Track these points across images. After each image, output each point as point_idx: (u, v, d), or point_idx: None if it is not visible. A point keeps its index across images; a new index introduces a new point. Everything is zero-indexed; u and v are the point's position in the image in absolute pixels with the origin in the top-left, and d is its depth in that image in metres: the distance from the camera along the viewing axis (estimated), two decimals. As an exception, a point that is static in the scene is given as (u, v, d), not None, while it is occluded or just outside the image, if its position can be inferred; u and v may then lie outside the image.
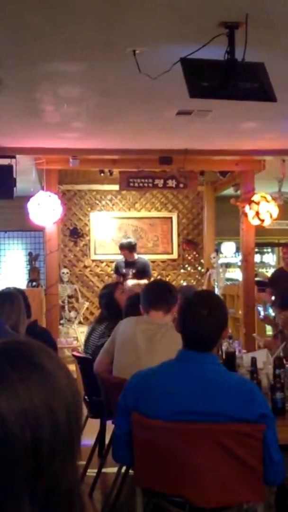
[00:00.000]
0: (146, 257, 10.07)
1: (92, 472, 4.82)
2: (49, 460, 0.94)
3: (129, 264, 9.67)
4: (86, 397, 5.12)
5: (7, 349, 1.03)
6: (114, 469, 4.52)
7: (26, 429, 0.93)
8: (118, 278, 9.41)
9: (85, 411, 5.12)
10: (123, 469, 4.26)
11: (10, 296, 4.40)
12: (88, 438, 5.00)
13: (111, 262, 10.87)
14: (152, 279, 9.54)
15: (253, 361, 3.98)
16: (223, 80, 4.06)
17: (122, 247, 9.64)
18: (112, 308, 5.43)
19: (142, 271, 9.51)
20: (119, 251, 9.77)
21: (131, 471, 3.68)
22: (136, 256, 9.70)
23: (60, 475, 0.96)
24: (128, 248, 9.61)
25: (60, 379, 1.01)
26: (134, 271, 9.52)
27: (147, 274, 9.49)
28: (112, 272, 10.55)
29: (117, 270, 9.89)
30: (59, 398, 0.99)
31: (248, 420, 2.63)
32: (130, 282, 9.00)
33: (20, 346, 1.05)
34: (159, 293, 4.13)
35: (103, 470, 4.78)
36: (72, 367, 5.39)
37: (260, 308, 8.60)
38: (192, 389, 2.69)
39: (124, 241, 9.86)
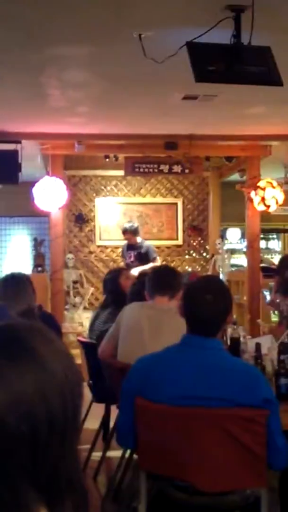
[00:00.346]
0: (151, 243, 10.06)
1: (96, 456, 4.85)
2: (47, 449, 0.93)
3: (132, 247, 9.69)
4: (90, 382, 5.13)
5: None
6: (118, 453, 4.54)
7: (21, 420, 0.90)
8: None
9: (89, 396, 5.14)
10: (127, 453, 4.28)
11: (23, 280, 4.30)
12: (92, 423, 5.02)
13: (116, 247, 10.88)
14: (158, 262, 9.58)
15: (258, 346, 3.98)
16: (229, 64, 4.03)
17: (126, 231, 9.66)
18: (117, 293, 5.43)
19: (145, 254, 9.53)
20: (124, 237, 9.79)
21: (135, 455, 3.70)
22: (139, 239, 9.71)
23: (59, 463, 0.95)
24: (131, 232, 9.62)
25: (56, 365, 0.97)
26: (135, 253, 9.54)
27: (150, 257, 9.51)
28: (118, 257, 10.57)
29: (123, 255, 9.94)
30: (55, 385, 0.95)
31: (251, 406, 2.63)
32: (135, 270, 9.02)
33: (14, 331, 1.00)
34: (165, 279, 4.14)
35: (108, 454, 4.81)
36: (77, 352, 5.40)
37: (266, 293, 8.60)
38: (195, 374, 2.69)
39: (127, 225, 9.87)
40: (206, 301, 2.75)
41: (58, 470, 0.95)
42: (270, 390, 2.78)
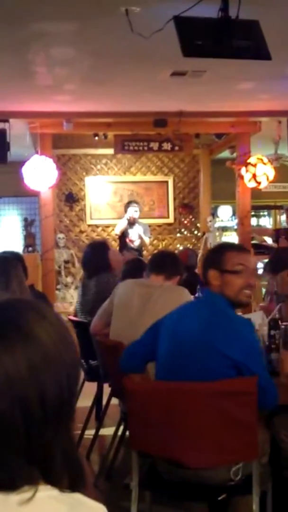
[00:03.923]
0: (142, 221, 10.05)
1: (89, 434, 4.86)
2: (41, 431, 0.92)
3: (132, 225, 9.71)
4: (83, 361, 5.13)
5: None
6: (111, 432, 4.55)
7: (14, 401, 0.90)
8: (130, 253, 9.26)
9: (82, 374, 5.14)
10: (120, 430, 4.29)
11: (11, 261, 4.28)
12: (85, 401, 5.03)
13: (107, 227, 10.85)
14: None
15: (249, 323, 3.98)
16: (217, 38, 3.99)
17: (134, 202, 9.66)
18: (104, 264, 5.39)
19: (144, 232, 9.62)
20: (115, 216, 9.73)
21: (127, 433, 3.71)
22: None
23: (54, 445, 0.94)
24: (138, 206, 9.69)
25: (50, 344, 0.95)
26: (135, 232, 9.57)
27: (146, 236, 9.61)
28: (110, 236, 10.52)
29: (124, 233, 9.84)
30: (48, 364, 0.94)
31: (237, 360, 2.69)
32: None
33: (5, 309, 0.98)
34: (163, 259, 4.24)
35: (100, 432, 4.82)
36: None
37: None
38: (197, 322, 2.81)
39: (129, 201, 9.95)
40: None
41: (52, 452, 0.94)
42: (256, 342, 2.86)
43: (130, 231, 9.79)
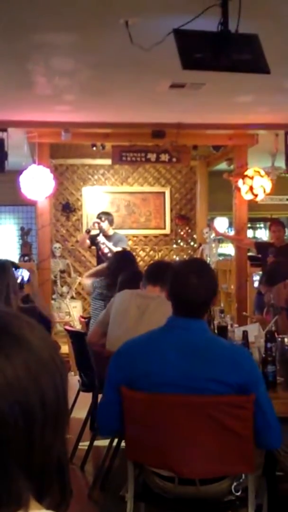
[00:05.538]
0: (139, 232, 9.94)
1: (84, 445, 4.85)
2: (41, 434, 0.92)
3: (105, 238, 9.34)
4: (78, 371, 5.12)
5: None
6: (105, 442, 4.54)
7: (15, 404, 0.90)
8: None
9: (77, 385, 5.13)
10: (115, 442, 4.28)
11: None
12: (80, 412, 5.02)
13: (104, 237, 10.83)
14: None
15: (245, 334, 3.99)
16: (216, 51, 4.00)
17: (100, 219, 9.11)
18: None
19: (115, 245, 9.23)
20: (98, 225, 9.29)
21: (122, 444, 3.70)
22: (111, 231, 9.11)
23: (51, 449, 0.95)
24: (110, 220, 9.23)
25: (43, 349, 0.97)
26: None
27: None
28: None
29: (93, 244, 9.39)
30: (44, 368, 0.95)
31: (238, 383, 2.63)
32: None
33: None
34: (158, 270, 4.24)
35: (95, 443, 4.80)
36: (65, 341, 5.39)
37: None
38: (181, 354, 2.69)
39: (101, 213, 9.28)
40: (191, 283, 2.75)
41: (50, 456, 0.95)
42: (256, 368, 2.80)
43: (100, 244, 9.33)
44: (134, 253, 10.06)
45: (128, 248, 9.22)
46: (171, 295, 2.84)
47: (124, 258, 5.63)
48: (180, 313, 2.78)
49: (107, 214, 9.19)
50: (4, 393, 0.90)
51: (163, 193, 11.35)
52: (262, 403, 2.64)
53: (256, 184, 8.87)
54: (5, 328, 0.97)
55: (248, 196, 8.96)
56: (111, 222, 9.10)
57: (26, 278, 4.55)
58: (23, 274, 4.51)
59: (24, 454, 0.91)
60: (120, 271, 5.05)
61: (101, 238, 8.92)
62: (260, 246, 9.10)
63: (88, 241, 9.06)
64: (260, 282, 6.06)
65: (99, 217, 9.04)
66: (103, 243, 8.83)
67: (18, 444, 0.90)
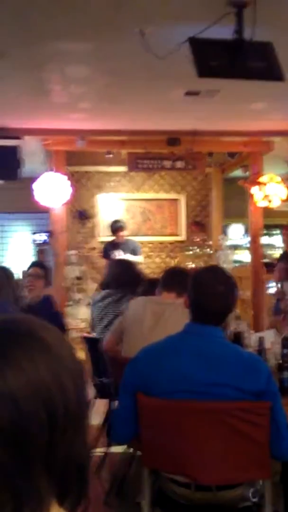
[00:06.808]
0: (154, 239, 10.00)
1: (100, 451, 4.86)
2: (63, 432, 0.94)
3: (117, 245, 9.59)
4: (94, 378, 5.14)
5: (5, 326, 1.01)
6: (121, 449, 4.55)
7: (39, 404, 0.92)
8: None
9: (93, 391, 5.14)
10: (131, 449, 4.29)
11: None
12: (96, 419, 5.03)
13: (119, 244, 10.87)
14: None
15: (261, 341, 3.99)
16: (231, 59, 4.03)
17: (121, 228, 9.54)
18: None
19: (133, 251, 9.45)
20: (127, 233, 9.68)
21: (138, 451, 3.71)
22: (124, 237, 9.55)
23: (72, 448, 0.97)
24: (124, 228, 9.53)
25: (62, 350, 1.00)
26: (123, 251, 9.41)
27: (137, 254, 9.45)
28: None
29: (106, 254, 9.70)
30: (65, 368, 0.98)
31: (253, 390, 2.63)
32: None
33: (18, 322, 1.03)
34: (174, 276, 4.27)
35: (111, 449, 4.81)
36: (80, 348, 5.41)
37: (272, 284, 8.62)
38: (197, 361, 2.69)
39: (120, 221, 9.75)
40: (217, 293, 2.76)
41: (71, 455, 0.96)
42: (271, 376, 2.79)
43: (112, 252, 9.63)
44: (150, 260, 10.15)
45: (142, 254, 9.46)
46: (194, 303, 2.84)
47: (123, 266, 5.73)
48: (199, 320, 2.79)
49: (125, 227, 9.41)
50: (29, 393, 0.92)
51: (178, 200, 11.35)
52: (277, 414, 2.64)
53: (271, 191, 8.86)
54: (29, 332, 1.00)
55: (263, 203, 8.95)
56: (125, 229, 9.40)
57: None
58: None
59: (46, 454, 0.93)
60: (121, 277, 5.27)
61: (117, 253, 9.13)
62: None
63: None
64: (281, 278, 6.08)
65: (119, 227, 9.21)
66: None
67: (41, 445, 0.92)
